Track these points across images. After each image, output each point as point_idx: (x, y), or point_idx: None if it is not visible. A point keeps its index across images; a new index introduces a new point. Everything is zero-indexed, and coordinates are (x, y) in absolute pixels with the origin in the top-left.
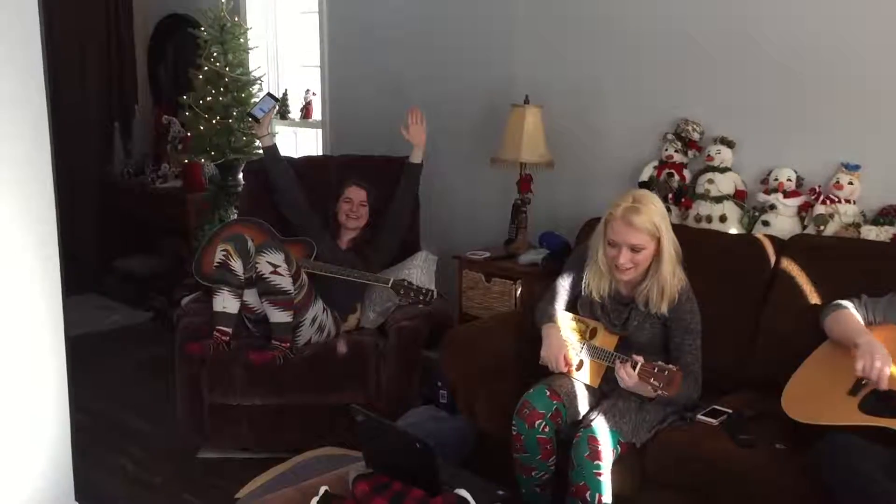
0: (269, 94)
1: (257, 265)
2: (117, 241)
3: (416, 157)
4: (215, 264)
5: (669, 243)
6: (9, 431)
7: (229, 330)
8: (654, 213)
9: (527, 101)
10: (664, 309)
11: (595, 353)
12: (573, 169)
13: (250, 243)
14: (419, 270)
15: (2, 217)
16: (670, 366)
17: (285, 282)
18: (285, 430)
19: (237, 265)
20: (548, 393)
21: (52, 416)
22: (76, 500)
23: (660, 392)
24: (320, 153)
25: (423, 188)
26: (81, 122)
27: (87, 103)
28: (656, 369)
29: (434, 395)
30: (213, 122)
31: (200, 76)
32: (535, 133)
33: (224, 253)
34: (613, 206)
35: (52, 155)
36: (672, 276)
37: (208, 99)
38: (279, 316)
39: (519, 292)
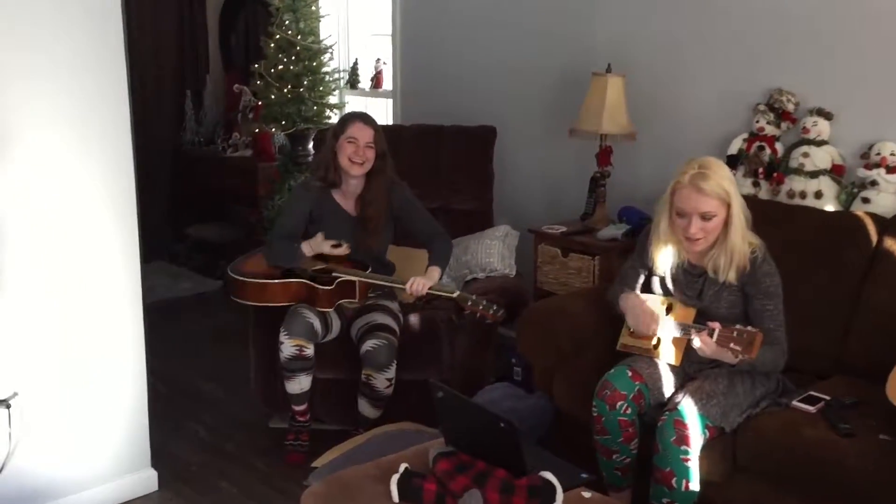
0: None
1: (372, 380)
2: (188, 210)
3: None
4: (287, 357)
5: (739, 208)
6: (91, 398)
7: (306, 407)
8: (723, 178)
9: (609, 70)
10: (732, 277)
11: (675, 327)
12: (655, 141)
13: (317, 324)
14: (500, 244)
15: (85, 186)
16: (749, 328)
17: (391, 388)
18: (350, 398)
19: (311, 350)
20: (629, 374)
21: (129, 383)
22: (152, 465)
23: (741, 357)
24: (390, 123)
25: (497, 159)
26: (154, 91)
27: (160, 72)
28: (735, 332)
29: (509, 371)
30: (284, 90)
31: (272, 44)
32: (616, 103)
33: (296, 348)
34: (679, 175)
35: (132, 124)
36: (742, 241)
37: (279, 67)
38: (371, 412)
39: (597, 268)
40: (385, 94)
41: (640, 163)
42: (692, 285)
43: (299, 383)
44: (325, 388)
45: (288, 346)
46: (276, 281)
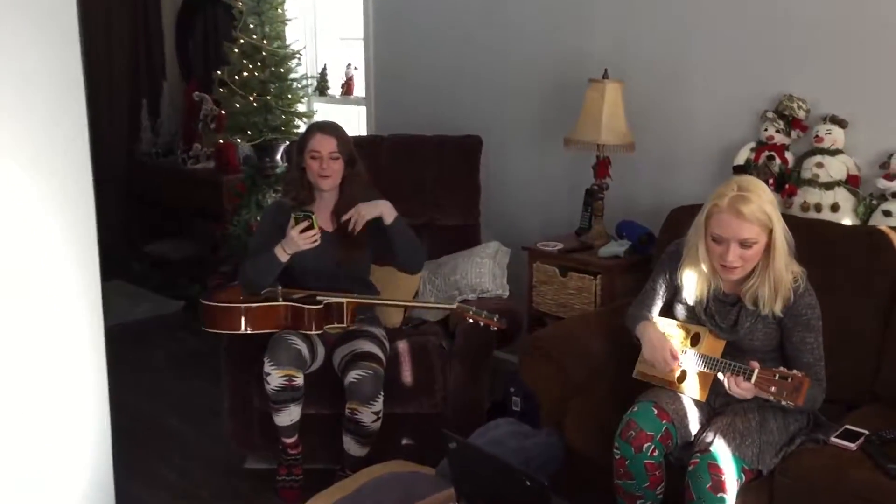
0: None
1: (357, 415)
2: (146, 226)
3: (387, 218)
4: (275, 388)
5: (782, 234)
6: (45, 439)
7: (297, 439)
8: (765, 201)
9: (605, 76)
10: (778, 309)
11: (701, 361)
12: (655, 151)
13: (305, 350)
14: (491, 262)
15: (39, 203)
16: (794, 372)
17: (378, 422)
18: (333, 433)
19: (300, 379)
20: (655, 411)
21: (90, 419)
22: None
23: (784, 402)
24: (364, 132)
25: (484, 170)
26: (107, 99)
27: (112, 79)
28: (777, 376)
29: (505, 398)
30: (250, 98)
31: (236, 50)
32: (615, 111)
33: (285, 378)
34: (717, 197)
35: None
36: (785, 270)
37: (244, 74)
38: (357, 450)
39: (599, 288)
40: (357, 101)
41: (638, 174)
42: (726, 315)
43: (289, 415)
44: (308, 424)
45: (276, 378)
46: (258, 304)
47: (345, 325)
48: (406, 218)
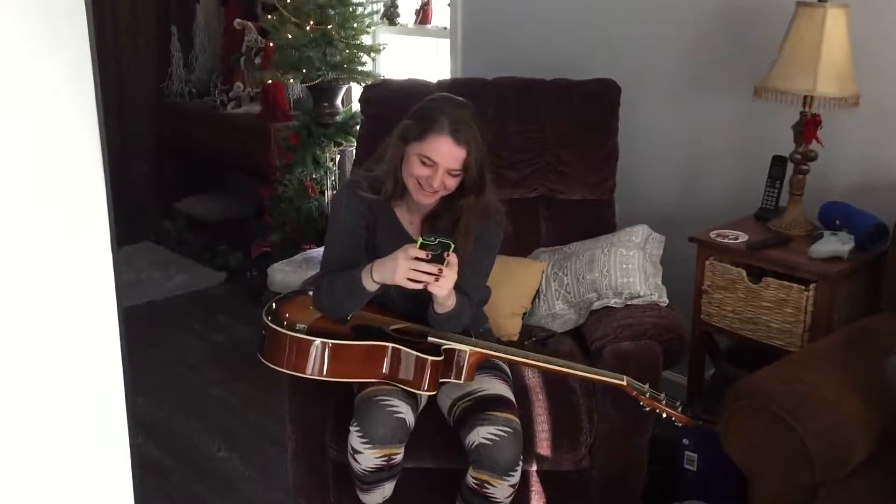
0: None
1: (488, 489)
2: (179, 179)
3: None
4: (368, 470)
5: None
6: (39, 476)
7: None
8: None
9: None
10: None
11: None
12: (872, 106)
13: (410, 416)
14: (640, 255)
15: (29, 156)
16: None
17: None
18: (438, 498)
19: (401, 454)
20: None
21: (102, 445)
22: None
23: None
24: (449, 74)
25: (629, 122)
26: (129, 26)
27: (135, 2)
28: None
29: (673, 452)
30: (306, 28)
31: None
32: (838, 48)
33: (383, 459)
34: None
35: (95, 69)
36: None
37: None
38: None
39: (812, 303)
40: (437, 33)
41: (846, 139)
42: None
43: (382, 493)
44: (402, 480)
45: (370, 458)
46: (348, 342)
47: (461, 381)
48: (517, 189)
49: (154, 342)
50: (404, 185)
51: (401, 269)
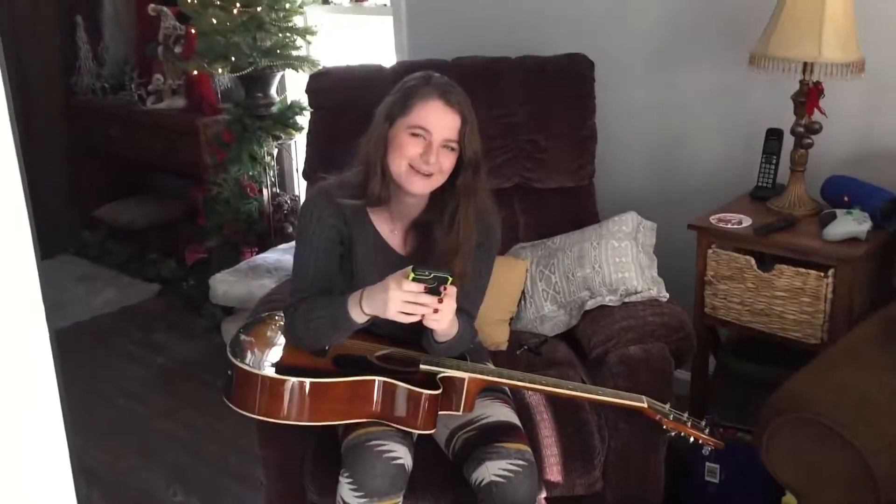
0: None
1: None
2: (96, 185)
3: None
4: None
5: None
6: None
7: None
8: None
9: None
10: None
11: None
12: (879, 74)
13: (409, 459)
14: (633, 246)
15: None
16: None
17: None
18: None
19: (400, 501)
20: None
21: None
22: None
23: None
24: (395, 57)
25: (601, 102)
26: (27, 15)
27: None
28: None
29: (694, 462)
30: (232, 11)
31: None
32: (842, 12)
33: None
34: None
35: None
36: None
37: None
38: None
39: (831, 290)
40: (377, 11)
41: (846, 108)
42: None
43: None
44: None
45: None
46: (335, 380)
47: (461, 413)
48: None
49: (85, 371)
50: (390, 182)
51: (393, 302)
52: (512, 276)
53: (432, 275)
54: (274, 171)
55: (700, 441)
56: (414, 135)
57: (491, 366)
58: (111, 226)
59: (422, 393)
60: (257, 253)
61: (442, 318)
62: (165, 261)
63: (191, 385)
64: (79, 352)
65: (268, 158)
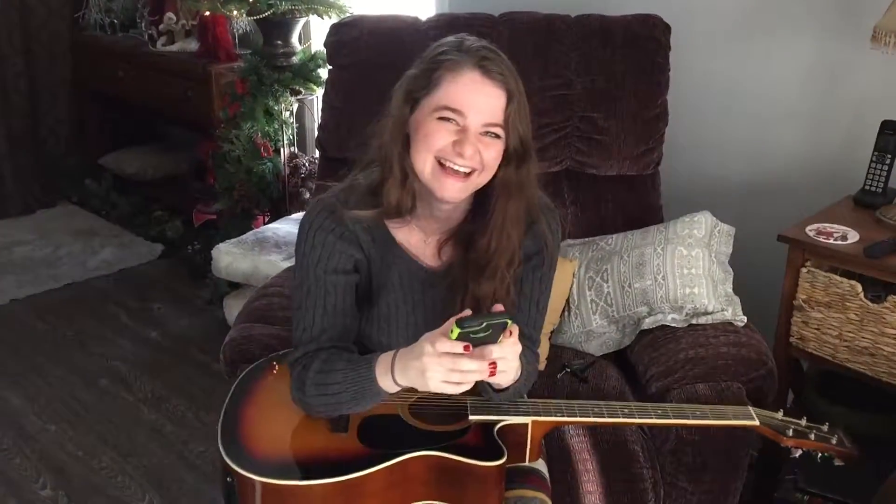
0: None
1: None
2: (103, 130)
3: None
4: None
5: None
6: None
7: None
8: None
9: None
10: None
11: None
12: None
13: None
14: (706, 255)
15: None
16: None
17: None
18: None
19: None
20: None
21: None
22: None
23: None
24: (434, 9)
25: (672, 74)
26: None
27: None
28: None
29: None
30: None
31: None
32: None
33: None
34: None
35: None
36: None
37: None
38: None
39: None
40: None
41: None
42: None
43: None
44: None
45: None
46: (368, 471)
47: (525, 464)
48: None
49: (73, 344)
50: (414, 184)
51: (432, 372)
52: (556, 280)
53: (484, 323)
54: (292, 130)
55: (830, 454)
56: (443, 119)
57: (551, 401)
58: (117, 175)
59: (488, 466)
60: (269, 220)
61: (508, 370)
62: (171, 219)
63: (183, 368)
64: (68, 319)
65: (286, 115)
